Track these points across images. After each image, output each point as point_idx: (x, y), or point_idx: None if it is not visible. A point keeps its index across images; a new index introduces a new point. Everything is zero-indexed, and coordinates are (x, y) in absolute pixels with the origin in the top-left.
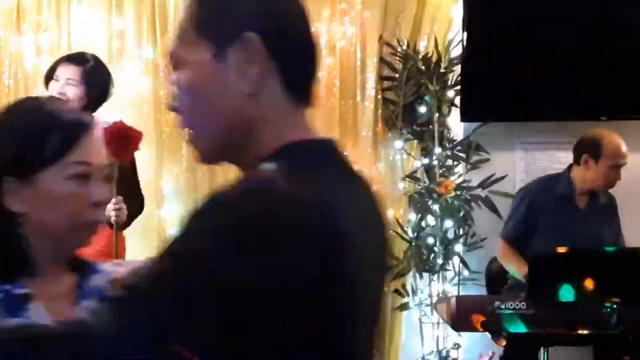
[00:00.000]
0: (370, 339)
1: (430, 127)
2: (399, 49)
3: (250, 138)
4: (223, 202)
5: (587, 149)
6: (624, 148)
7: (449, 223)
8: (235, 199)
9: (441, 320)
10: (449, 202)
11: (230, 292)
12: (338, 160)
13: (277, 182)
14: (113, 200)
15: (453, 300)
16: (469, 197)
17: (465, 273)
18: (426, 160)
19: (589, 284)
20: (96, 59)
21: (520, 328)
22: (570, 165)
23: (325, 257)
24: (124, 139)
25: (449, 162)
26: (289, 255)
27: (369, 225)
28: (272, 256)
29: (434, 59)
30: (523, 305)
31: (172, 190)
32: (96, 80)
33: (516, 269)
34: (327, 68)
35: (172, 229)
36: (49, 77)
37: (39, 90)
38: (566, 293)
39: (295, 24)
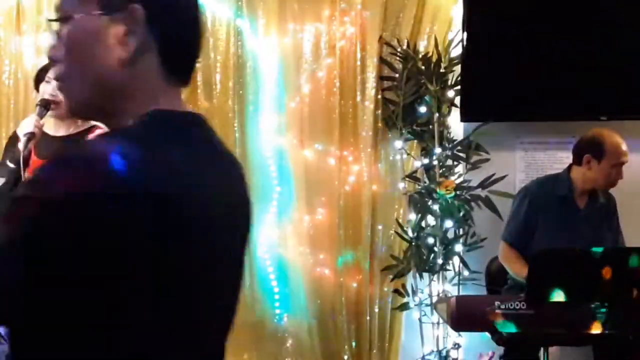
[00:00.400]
0: (223, 308)
1: (430, 127)
2: (399, 49)
3: (119, 103)
4: (65, 157)
5: (589, 149)
6: (624, 147)
7: (449, 223)
8: (75, 155)
9: (441, 320)
10: (449, 202)
11: (51, 242)
12: (200, 133)
13: (120, 143)
14: None
15: (453, 300)
16: (469, 197)
17: (465, 273)
18: (426, 160)
19: (587, 283)
20: None
21: (519, 328)
22: (570, 166)
23: (157, 215)
24: None
25: (449, 162)
26: (117, 211)
27: (225, 195)
28: (100, 211)
29: (434, 59)
30: (523, 305)
31: None
32: None
33: (518, 271)
34: (327, 68)
35: None
36: (40, 79)
37: None
38: (565, 293)
39: (182, 7)
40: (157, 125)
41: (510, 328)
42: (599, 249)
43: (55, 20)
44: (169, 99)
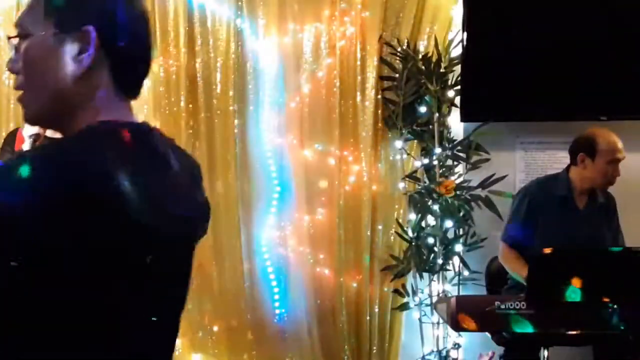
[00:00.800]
0: (165, 312)
1: (430, 127)
2: (399, 49)
3: (72, 114)
4: (17, 161)
5: (582, 148)
6: (619, 144)
7: (449, 223)
8: (27, 159)
9: (441, 320)
10: (449, 202)
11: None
12: (145, 141)
13: (65, 148)
14: None
15: (453, 300)
16: (469, 197)
17: (465, 273)
18: (426, 160)
19: (587, 283)
20: None
21: (520, 328)
22: (568, 166)
23: (101, 218)
24: None
25: (449, 162)
26: (64, 214)
27: (174, 201)
28: (46, 211)
29: (434, 59)
30: (523, 305)
31: None
32: None
33: (518, 271)
34: (327, 68)
35: None
36: None
37: None
38: (566, 293)
39: (132, 26)
40: (96, 134)
41: (511, 328)
42: (598, 249)
43: (15, 37)
44: (119, 111)
